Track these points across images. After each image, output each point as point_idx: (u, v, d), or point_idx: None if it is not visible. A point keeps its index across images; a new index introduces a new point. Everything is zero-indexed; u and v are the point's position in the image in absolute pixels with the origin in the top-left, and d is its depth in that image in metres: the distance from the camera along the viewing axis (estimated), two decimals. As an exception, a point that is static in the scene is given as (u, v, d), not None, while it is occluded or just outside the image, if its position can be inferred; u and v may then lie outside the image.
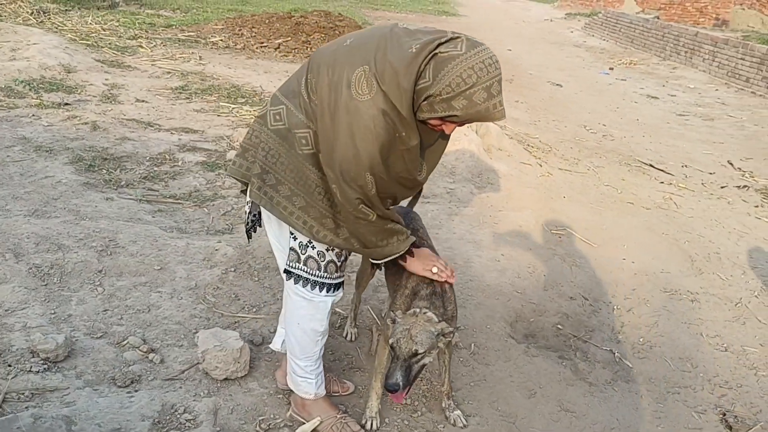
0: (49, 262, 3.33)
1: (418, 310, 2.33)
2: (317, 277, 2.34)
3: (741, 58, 13.32)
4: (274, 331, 3.07)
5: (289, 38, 10.50)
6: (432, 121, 2.04)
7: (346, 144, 2.00)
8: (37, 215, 3.83)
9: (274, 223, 2.35)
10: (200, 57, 9.17)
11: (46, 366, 2.61)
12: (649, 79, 13.74)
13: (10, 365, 2.58)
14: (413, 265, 2.39)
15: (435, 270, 2.38)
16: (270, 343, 2.97)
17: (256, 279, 3.52)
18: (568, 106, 10.02)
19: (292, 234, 2.30)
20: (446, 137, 2.25)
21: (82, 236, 3.61)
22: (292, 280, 2.35)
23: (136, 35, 10.06)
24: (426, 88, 1.93)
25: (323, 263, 2.32)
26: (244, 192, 2.43)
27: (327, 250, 2.31)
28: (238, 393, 2.66)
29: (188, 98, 7.25)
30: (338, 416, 2.53)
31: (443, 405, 2.69)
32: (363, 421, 2.56)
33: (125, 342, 2.87)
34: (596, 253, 4.55)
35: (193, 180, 4.88)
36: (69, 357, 2.69)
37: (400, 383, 2.22)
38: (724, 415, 3.04)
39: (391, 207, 2.32)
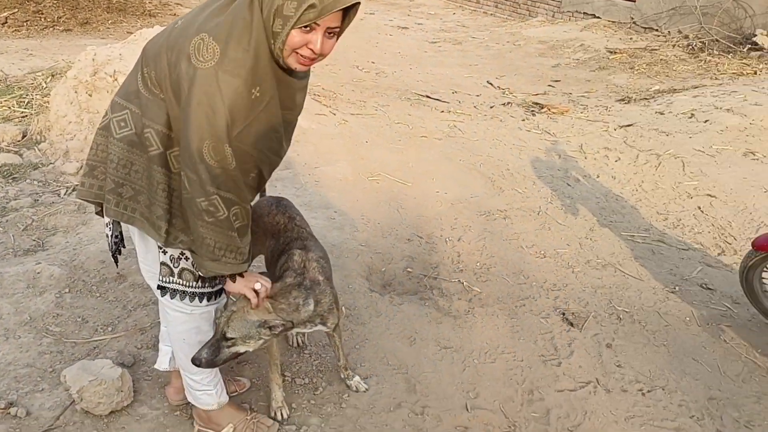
0: None
1: None
2: (195, 288, 2.21)
3: (470, -19, 14.45)
4: (142, 347, 2.89)
5: (16, 9, 9.20)
6: (299, 52, 1.84)
7: (198, 117, 1.81)
8: None
9: (137, 238, 2.17)
10: None
11: None
12: (394, 10, 14.35)
13: None
14: (234, 285, 2.14)
15: (258, 287, 2.16)
16: (145, 360, 2.78)
17: (98, 295, 3.21)
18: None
19: (161, 248, 2.15)
20: (302, 99, 2.10)
21: None
22: (168, 295, 2.20)
23: None
24: (270, 5, 1.78)
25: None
26: (99, 213, 2.20)
27: None
28: (131, 423, 2.47)
29: None
30: (248, 417, 2.47)
31: (342, 376, 2.76)
32: (272, 414, 2.54)
33: (-27, 404, 2.50)
34: (413, 191, 4.82)
35: (-33, 196, 4.22)
36: None
37: (202, 360, 2.17)
38: (564, 314, 3.49)
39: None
